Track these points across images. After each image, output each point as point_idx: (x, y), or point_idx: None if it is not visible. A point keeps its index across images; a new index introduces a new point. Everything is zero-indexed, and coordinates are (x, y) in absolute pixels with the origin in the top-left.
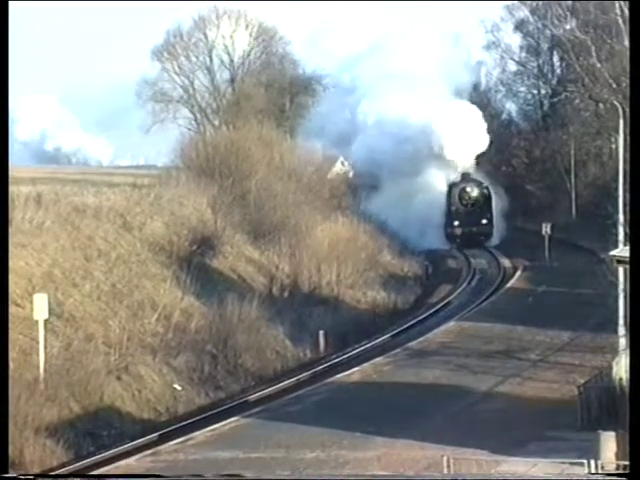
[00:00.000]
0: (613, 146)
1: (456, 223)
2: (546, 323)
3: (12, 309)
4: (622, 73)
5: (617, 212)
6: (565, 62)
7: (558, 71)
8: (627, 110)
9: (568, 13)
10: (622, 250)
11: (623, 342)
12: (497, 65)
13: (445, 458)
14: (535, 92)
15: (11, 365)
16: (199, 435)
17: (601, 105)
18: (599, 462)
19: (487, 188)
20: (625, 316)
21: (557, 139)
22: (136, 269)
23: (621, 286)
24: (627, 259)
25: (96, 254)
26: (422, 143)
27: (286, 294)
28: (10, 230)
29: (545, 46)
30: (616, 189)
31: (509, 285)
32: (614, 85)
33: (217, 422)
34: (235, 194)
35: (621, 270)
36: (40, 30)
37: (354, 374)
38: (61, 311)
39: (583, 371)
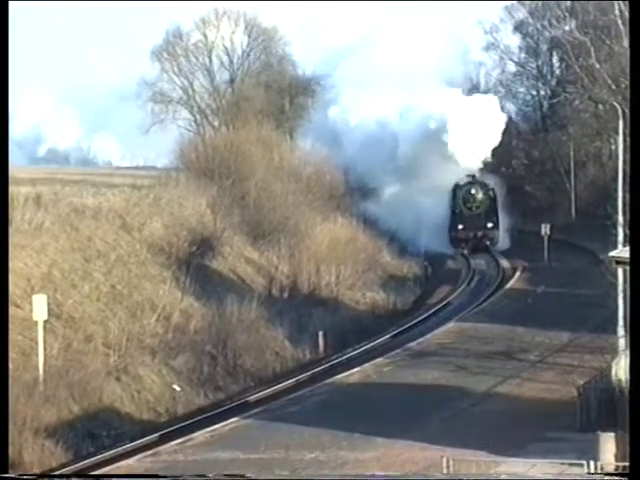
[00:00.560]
0: (612, 147)
1: (460, 227)
2: (545, 324)
3: (11, 310)
4: (621, 74)
5: (616, 213)
6: (564, 63)
7: (557, 72)
8: (626, 111)
9: (567, 14)
10: (621, 251)
11: (622, 343)
12: (496, 66)
13: (444, 459)
14: (534, 93)
15: (10, 366)
16: (199, 436)
17: (600, 106)
18: (598, 463)
19: (493, 190)
20: (624, 317)
21: (556, 140)
22: (135, 270)
23: (620, 287)
24: (626, 260)
25: (95, 255)
26: (425, 141)
27: (285, 295)
28: (10, 231)
29: (544, 47)
30: (615, 190)
31: (508, 286)
32: (613, 86)
33: (217, 423)
34: (234, 195)
35: (620, 271)
36: (40, 30)
37: (354, 375)
38: (60, 312)
39: (582, 372)
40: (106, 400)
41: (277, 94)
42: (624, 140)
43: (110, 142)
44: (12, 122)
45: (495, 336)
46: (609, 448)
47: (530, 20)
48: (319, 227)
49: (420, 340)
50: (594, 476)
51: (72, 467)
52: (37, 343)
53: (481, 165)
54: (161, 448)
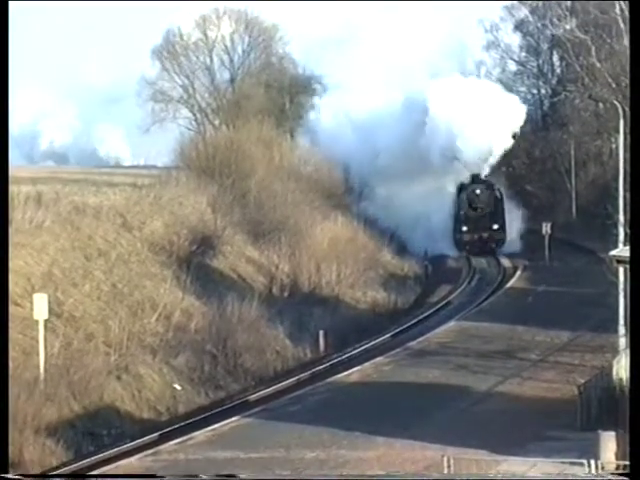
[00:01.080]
0: (613, 146)
1: (465, 228)
2: (546, 323)
3: (12, 309)
4: (622, 73)
5: (617, 212)
6: (565, 62)
7: (558, 71)
8: (627, 110)
9: (568, 13)
10: (622, 250)
11: (623, 342)
12: (497, 65)
13: (445, 458)
14: (535, 92)
15: (11, 365)
16: (199, 435)
17: (601, 105)
18: (599, 462)
19: (499, 190)
20: (625, 316)
21: (557, 139)
22: (136, 269)
23: (621, 286)
24: (627, 259)
25: (96, 254)
26: (427, 137)
27: (286, 294)
28: (10, 230)
29: (545, 46)
30: (616, 189)
31: (509, 285)
32: (614, 85)
33: (217, 422)
34: (235, 194)
35: (621, 270)
36: (39, 30)
37: (354, 374)
38: (61, 311)
39: (583, 371)
40: (107, 399)
41: (277, 93)
42: (625, 139)
43: (110, 142)
44: (10, 120)
45: (496, 335)
46: (610, 447)
47: (531, 19)
48: (319, 226)
49: (420, 339)
50: (595, 475)
51: (72, 466)
52: (38, 342)
53: (486, 164)
54: (162, 447)
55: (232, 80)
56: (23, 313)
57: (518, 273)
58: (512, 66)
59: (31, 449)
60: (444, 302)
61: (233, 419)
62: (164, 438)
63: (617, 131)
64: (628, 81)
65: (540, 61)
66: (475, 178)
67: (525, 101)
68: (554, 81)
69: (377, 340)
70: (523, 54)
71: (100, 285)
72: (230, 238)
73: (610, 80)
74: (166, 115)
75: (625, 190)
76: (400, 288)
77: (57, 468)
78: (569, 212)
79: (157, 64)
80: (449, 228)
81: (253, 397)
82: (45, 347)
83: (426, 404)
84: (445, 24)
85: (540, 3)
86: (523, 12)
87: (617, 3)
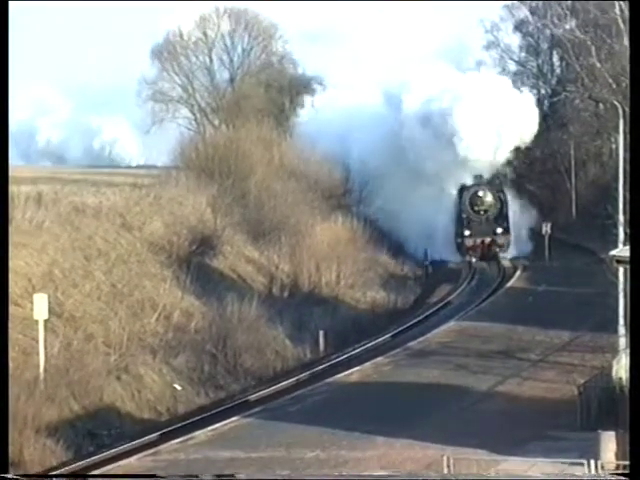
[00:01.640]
0: (613, 146)
1: (467, 233)
2: (546, 323)
3: (12, 309)
4: (622, 73)
5: (617, 212)
6: (565, 62)
7: (558, 71)
8: (627, 110)
9: (568, 13)
10: (622, 250)
11: (623, 342)
12: (497, 65)
13: (445, 457)
14: (535, 92)
15: (11, 365)
16: (200, 435)
17: (601, 105)
18: (599, 462)
19: (503, 192)
20: (625, 316)
21: (557, 139)
22: (136, 269)
23: (621, 286)
24: (627, 259)
25: (96, 254)
26: (430, 138)
27: (286, 294)
28: (10, 230)
29: (545, 46)
30: (616, 189)
31: (509, 285)
32: (614, 85)
33: (217, 422)
34: (235, 194)
35: (621, 270)
36: (38, 29)
37: (354, 374)
38: (61, 311)
39: (583, 371)
40: (106, 399)
41: (277, 93)
42: (625, 139)
43: (110, 141)
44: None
45: (495, 335)
46: (610, 447)
47: (530, 19)
48: (319, 226)
49: (420, 339)
50: (595, 475)
51: (73, 466)
52: (38, 342)
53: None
54: (162, 447)
55: (232, 80)
56: (23, 313)
57: (518, 273)
58: (512, 66)
59: (31, 449)
60: (444, 302)
61: (233, 419)
62: (164, 438)
63: (617, 131)
64: (628, 81)
65: (540, 61)
66: (477, 179)
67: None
68: (554, 81)
69: (377, 340)
70: (523, 54)
71: (100, 285)
72: (230, 238)
73: (610, 80)
74: (166, 115)
75: (625, 190)
76: (400, 288)
77: (57, 468)
78: (569, 212)
79: (157, 64)
80: (449, 230)
81: (253, 397)
82: (45, 347)
83: (426, 404)
84: (445, 24)
85: (540, 3)
86: (523, 12)
87: (617, 3)
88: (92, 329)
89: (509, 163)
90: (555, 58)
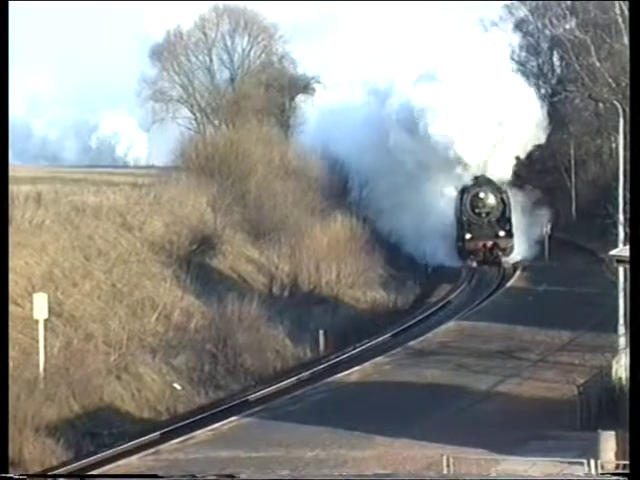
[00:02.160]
0: (613, 145)
1: (468, 236)
2: (546, 322)
3: (12, 308)
4: (622, 72)
5: (617, 212)
6: (565, 62)
7: (558, 71)
8: (627, 109)
9: (568, 12)
10: (622, 250)
11: (623, 341)
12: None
13: (445, 457)
14: (535, 91)
15: (11, 364)
16: (199, 434)
17: (601, 105)
18: (599, 462)
19: (505, 193)
20: (625, 315)
21: (557, 138)
22: (136, 268)
23: (621, 285)
24: (627, 259)
25: (96, 253)
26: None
27: (286, 293)
28: (10, 229)
29: (545, 45)
30: (616, 188)
31: (509, 284)
32: (614, 84)
33: (217, 421)
34: (235, 193)
35: (621, 270)
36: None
37: (354, 373)
38: (61, 310)
39: (583, 371)
40: (106, 399)
41: (277, 92)
42: (625, 138)
43: (110, 141)
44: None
45: (495, 335)
46: (610, 446)
47: (530, 18)
48: (319, 225)
49: (421, 339)
50: (594, 475)
51: (73, 465)
52: (38, 342)
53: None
54: (162, 447)
55: (232, 79)
56: (23, 313)
57: (518, 273)
58: (512, 65)
59: (31, 448)
60: (444, 302)
61: (233, 419)
62: (164, 438)
63: (617, 131)
64: (628, 81)
65: (540, 61)
66: (478, 179)
67: None
68: (554, 81)
69: (377, 340)
70: (523, 54)
71: (100, 285)
72: (230, 238)
73: (610, 80)
74: (166, 115)
75: (625, 189)
76: (400, 288)
77: (57, 467)
78: (569, 211)
79: (157, 64)
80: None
81: (253, 397)
82: (45, 347)
83: (426, 403)
84: (445, 23)
85: (540, 3)
86: (523, 11)
87: (617, 3)
88: (92, 329)
89: (508, 163)
90: (555, 58)
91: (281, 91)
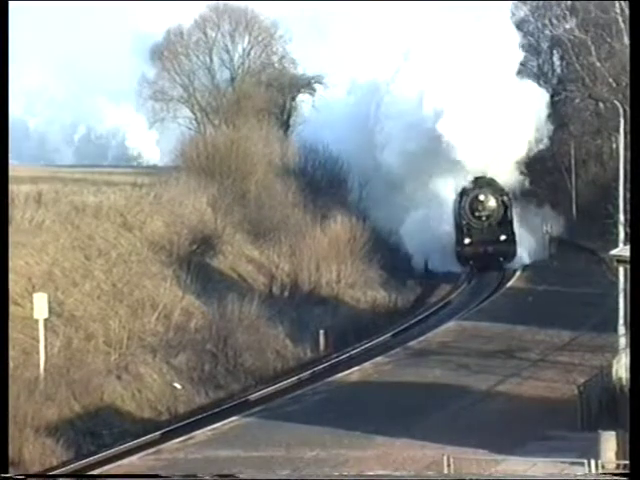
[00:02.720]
0: (613, 145)
1: (467, 241)
2: (546, 322)
3: (12, 308)
4: (622, 72)
5: (617, 212)
6: (565, 61)
7: (558, 70)
8: (627, 109)
9: (568, 12)
10: (622, 250)
11: (623, 341)
12: None
13: (445, 457)
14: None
15: (11, 364)
16: (200, 434)
17: (601, 104)
18: (599, 462)
19: (507, 196)
20: (625, 315)
21: (557, 138)
22: (136, 268)
23: (621, 285)
24: (627, 259)
25: (96, 253)
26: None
27: (286, 293)
28: (10, 229)
29: (545, 45)
30: (616, 188)
31: (509, 284)
32: (614, 84)
33: (217, 421)
34: (235, 193)
35: (621, 269)
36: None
37: (354, 373)
38: (61, 310)
39: (583, 370)
40: (107, 398)
41: (278, 92)
42: (625, 138)
43: (110, 140)
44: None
45: (496, 335)
46: (610, 446)
47: (531, 18)
48: (319, 225)
49: (421, 339)
50: (595, 475)
51: (73, 465)
52: (38, 341)
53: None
54: (162, 446)
55: (232, 79)
56: (23, 313)
57: (518, 273)
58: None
59: (31, 448)
60: (444, 302)
61: (233, 418)
62: (164, 437)
63: (617, 130)
64: (628, 80)
65: (540, 61)
66: (478, 181)
67: None
68: (554, 81)
69: (377, 340)
70: (523, 54)
71: (100, 284)
72: (230, 237)
73: (610, 79)
74: (166, 115)
75: (625, 190)
76: (400, 288)
77: (57, 467)
78: (569, 211)
79: (157, 63)
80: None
81: (253, 396)
82: (45, 346)
83: (426, 403)
84: (445, 23)
85: (540, 3)
86: (523, 11)
87: (617, 2)
88: (92, 328)
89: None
90: (555, 57)
91: (281, 91)
